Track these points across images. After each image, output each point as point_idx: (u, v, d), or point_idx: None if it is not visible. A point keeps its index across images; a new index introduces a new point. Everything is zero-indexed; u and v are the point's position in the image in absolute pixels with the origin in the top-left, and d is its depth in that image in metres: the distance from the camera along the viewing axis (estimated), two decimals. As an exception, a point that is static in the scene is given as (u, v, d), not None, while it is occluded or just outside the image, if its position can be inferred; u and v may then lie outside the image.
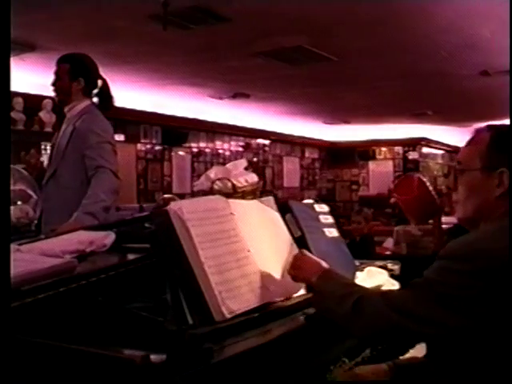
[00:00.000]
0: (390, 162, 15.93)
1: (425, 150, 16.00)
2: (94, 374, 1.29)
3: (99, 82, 4.05)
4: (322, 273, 1.84)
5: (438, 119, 12.46)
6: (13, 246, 1.81)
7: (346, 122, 13.59)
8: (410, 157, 15.72)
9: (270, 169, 14.77)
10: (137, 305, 1.59)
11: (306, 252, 1.93)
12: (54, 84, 4.01)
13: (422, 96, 10.31)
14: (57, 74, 3.98)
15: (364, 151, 16.36)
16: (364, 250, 3.91)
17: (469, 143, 1.90)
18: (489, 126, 1.89)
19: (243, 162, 2.75)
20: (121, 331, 1.37)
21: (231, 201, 1.85)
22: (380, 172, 15.87)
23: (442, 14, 5.77)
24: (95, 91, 4.04)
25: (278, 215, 2.06)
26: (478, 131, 1.90)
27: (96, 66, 4.08)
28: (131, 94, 9.41)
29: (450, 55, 7.32)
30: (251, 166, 13.72)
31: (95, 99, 4.04)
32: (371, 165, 16.19)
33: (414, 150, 15.75)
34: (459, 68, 8.02)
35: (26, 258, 1.67)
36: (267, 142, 14.45)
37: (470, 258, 1.66)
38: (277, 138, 14.56)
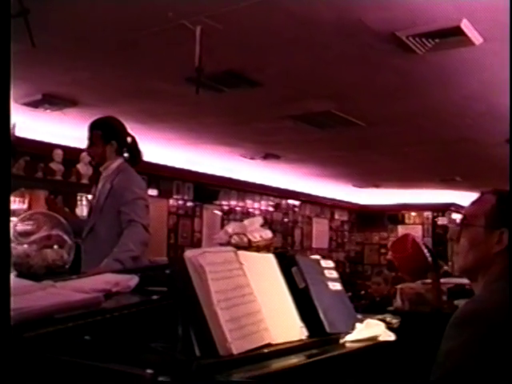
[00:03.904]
0: (420, 227, 16.00)
1: (454, 215, 15.95)
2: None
3: (128, 139, 4.34)
4: None
5: (467, 185, 12.51)
6: (48, 282, 2.06)
7: (376, 185, 13.75)
8: (439, 222, 15.77)
9: (299, 229, 14.92)
10: (154, 338, 1.80)
11: None
12: (88, 149, 4.35)
13: (450, 162, 10.46)
14: (90, 140, 4.27)
15: (393, 215, 16.53)
16: (382, 309, 4.08)
17: (475, 202, 2.16)
18: (494, 191, 2.13)
19: (259, 220, 2.96)
20: (137, 359, 1.58)
21: (240, 252, 2.05)
22: (409, 236, 15.89)
23: (464, 83, 5.97)
24: (125, 148, 4.33)
25: (277, 269, 2.25)
26: (485, 193, 2.15)
27: (124, 126, 4.36)
28: (166, 150, 9.70)
29: (475, 123, 7.49)
30: (281, 226, 13.95)
31: (125, 154, 4.33)
32: (400, 229, 16.23)
33: (443, 215, 15.82)
34: (485, 135, 8.11)
35: (59, 292, 1.91)
36: (297, 202, 14.65)
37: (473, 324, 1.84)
38: (307, 199, 14.76)
